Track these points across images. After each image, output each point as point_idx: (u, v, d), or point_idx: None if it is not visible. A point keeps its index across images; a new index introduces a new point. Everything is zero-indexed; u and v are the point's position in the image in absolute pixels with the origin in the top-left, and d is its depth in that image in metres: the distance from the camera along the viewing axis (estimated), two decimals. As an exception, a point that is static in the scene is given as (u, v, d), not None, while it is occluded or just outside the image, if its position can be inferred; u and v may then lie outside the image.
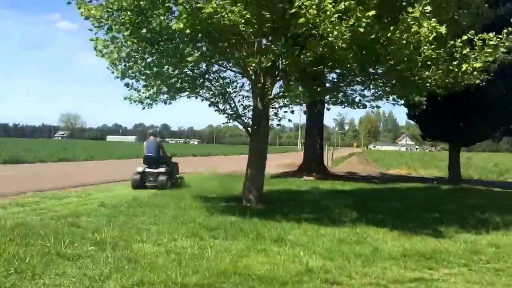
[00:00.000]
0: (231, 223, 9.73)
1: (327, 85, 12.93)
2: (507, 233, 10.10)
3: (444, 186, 21.75)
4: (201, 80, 12.47)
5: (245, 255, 7.39)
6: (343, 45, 9.09)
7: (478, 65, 10.26)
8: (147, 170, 16.91)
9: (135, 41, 10.63)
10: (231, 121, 13.37)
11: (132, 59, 11.26)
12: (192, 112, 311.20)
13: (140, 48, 10.95)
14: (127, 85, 12.00)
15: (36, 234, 7.95)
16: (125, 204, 11.96)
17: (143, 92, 12.13)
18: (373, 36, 9.23)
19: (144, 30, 10.29)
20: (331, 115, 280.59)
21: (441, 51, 10.13)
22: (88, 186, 17.21)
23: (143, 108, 12.54)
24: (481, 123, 22.04)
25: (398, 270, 6.94)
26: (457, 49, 10.40)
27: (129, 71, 11.48)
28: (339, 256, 7.53)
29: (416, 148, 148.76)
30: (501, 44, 10.43)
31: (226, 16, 9.28)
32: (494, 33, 10.49)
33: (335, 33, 8.82)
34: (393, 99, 12.45)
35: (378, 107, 13.09)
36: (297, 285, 6.03)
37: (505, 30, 10.57)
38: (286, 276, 6.31)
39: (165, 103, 12.74)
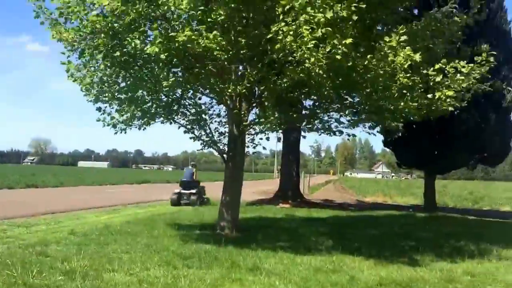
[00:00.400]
0: (206, 251, 9.64)
1: (304, 111, 13.04)
2: (482, 262, 10.18)
3: (419, 213, 21.89)
4: (176, 106, 12.44)
5: (219, 284, 7.32)
6: (320, 71, 9.18)
7: (450, 93, 10.44)
8: (182, 191, 21.98)
9: (109, 64, 10.58)
10: (206, 147, 13.34)
11: (106, 84, 11.20)
12: (166, 138, 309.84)
13: (113, 73, 10.91)
14: (99, 109, 11.89)
15: (2, 264, 7.76)
16: (96, 232, 11.77)
17: (116, 118, 12.06)
18: (349, 64, 9.35)
19: (118, 53, 10.25)
20: (308, 142, 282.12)
21: (416, 78, 10.32)
22: (58, 213, 16.90)
23: (116, 133, 12.43)
24: (456, 151, 22.42)
25: (375, 299, 6.94)
26: (430, 77, 10.60)
27: (103, 95, 11.41)
28: (315, 285, 7.51)
29: (392, 176, 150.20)
30: (473, 73, 10.69)
31: (201, 42, 9.34)
32: (465, 61, 10.77)
33: (312, 59, 8.90)
34: (369, 127, 12.58)
35: (354, 135, 13.20)
36: (272, 315, 5.98)
37: (476, 58, 10.85)
38: (261, 306, 6.26)
39: (139, 128, 12.64)
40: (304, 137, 20.38)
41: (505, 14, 23.71)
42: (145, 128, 12.71)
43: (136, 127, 12.55)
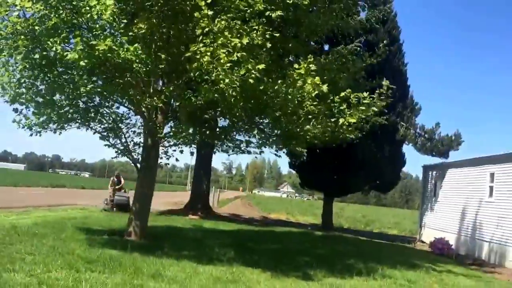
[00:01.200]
0: (111, 256, 9.28)
1: (217, 130, 13.06)
2: (368, 279, 10.53)
3: (317, 232, 22.43)
4: (93, 113, 12.06)
5: (120, 289, 7.07)
6: (233, 93, 9.27)
7: (353, 120, 10.80)
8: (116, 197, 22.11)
9: (28, 66, 10.09)
10: (120, 155, 13.00)
11: (24, 85, 10.67)
12: (85, 145, 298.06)
13: (32, 75, 10.42)
14: (15, 110, 11.35)
15: None
16: (2, 232, 11.03)
17: (32, 120, 11.52)
18: (261, 88, 9.52)
19: (38, 56, 9.80)
20: (220, 159, 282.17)
21: (321, 107, 10.63)
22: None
23: (31, 135, 11.92)
24: (352, 177, 23.36)
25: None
26: (335, 104, 10.94)
27: (20, 97, 10.86)
28: (214, 294, 7.44)
29: (296, 196, 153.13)
30: (373, 103, 11.16)
31: (121, 53, 9.14)
32: (368, 93, 11.25)
33: (227, 81, 8.96)
34: (276, 149, 12.79)
35: (261, 152, 13.37)
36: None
37: (377, 91, 11.38)
38: (158, 312, 6.11)
39: (55, 132, 12.11)
40: (215, 152, 20.45)
41: (403, 57, 25.36)
42: (60, 132, 12.23)
43: (52, 130, 12.03)
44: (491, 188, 18.40)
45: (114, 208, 21.35)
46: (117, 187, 23.11)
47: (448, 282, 11.49)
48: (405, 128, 23.77)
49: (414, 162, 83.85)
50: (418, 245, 22.81)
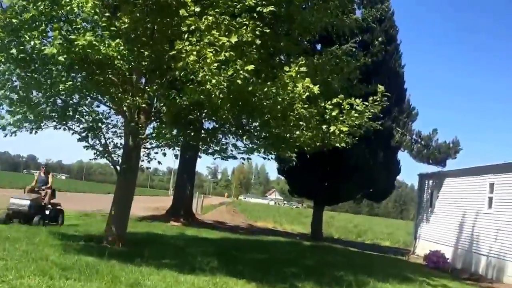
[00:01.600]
0: (87, 263, 9.30)
1: (202, 132, 13.10)
2: (357, 292, 10.66)
3: (306, 242, 22.52)
4: (71, 112, 12.06)
5: (96, 299, 7.11)
6: (220, 94, 9.30)
7: (345, 128, 10.87)
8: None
9: (3, 60, 10.10)
10: (99, 157, 13.00)
11: (-2, 81, 10.68)
12: (62, 146, 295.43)
13: (7, 70, 10.42)
14: None
15: None
16: (-28, 236, 11.03)
17: (6, 119, 11.51)
18: (250, 89, 9.58)
19: (14, 51, 9.82)
20: (205, 163, 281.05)
21: (313, 110, 10.70)
22: None
23: (5, 135, 11.90)
24: (344, 184, 23.44)
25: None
26: (327, 110, 11.03)
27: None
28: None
29: (284, 204, 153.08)
30: (367, 111, 11.28)
31: (102, 49, 9.19)
32: (361, 99, 11.36)
33: (213, 81, 8.99)
34: (264, 153, 12.86)
35: (249, 159, 13.44)
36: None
37: (371, 98, 11.50)
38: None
39: (31, 132, 12.10)
40: (200, 157, 20.62)
41: (400, 58, 25.48)
42: (36, 132, 12.20)
43: (27, 130, 12.01)
44: (490, 199, 18.55)
45: (12, 220, 15.09)
46: (43, 187, 16.92)
47: (442, 298, 11.62)
48: (401, 134, 23.92)
49: (410, 171, 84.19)
50: (412, 257, 22.99)
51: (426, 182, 25.56)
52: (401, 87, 25.19)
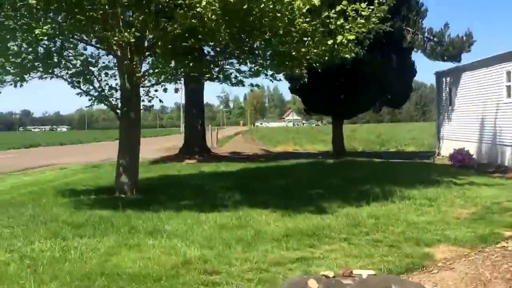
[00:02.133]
0: (101, 217, 9.21)
1: (202, 60, 12.64)
2: (385, 203, 10.58)
3: (328, 160, 22.46)
4: (56, 58, 11.57)
5: (115, 252, 6.99)
6: (213, 16, 8.89)
7: (352, 37, 10.52)
8: None
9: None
10: (96, 103, 12.65)
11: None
12: (58, 96, 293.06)
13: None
14: None
15: None
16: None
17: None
18: (245, 7, 9.09)
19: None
20: (215, 93, 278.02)
21: (316, 23, 10.24)
22: None
23: (-13, 93, 11.52)
24: (360, 95, 23.08)
25: (279, 251, 6.94)
26: (331, 20, 10.55)
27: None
28: (219, 243, 7.39)
29: (303, 123, 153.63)
30: (373, 15, 10.78)
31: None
32: (366, 3, 10.81)
33: (203, 3, 8.58)
34: (271, 75, 12.41)
35: (257, 85, 13.06)
36: (172, 280, 5.78)
37: (376, 0, 10.93)
38: (160, 271, 6.06)
39: (15, 86, 11.66)
40: (203, 85, 19.85)
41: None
42: (22, 85, 11.70)
43: (10, 84, 11.59)
44: (508, 87, 18.18)
45: None
46: None
47: (470, 195, 11.55)
48: (412, 33, 23.20)
49: (427, 70, 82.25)
50: (437, 159, 22.94)
51: (444, 79, 25.09)
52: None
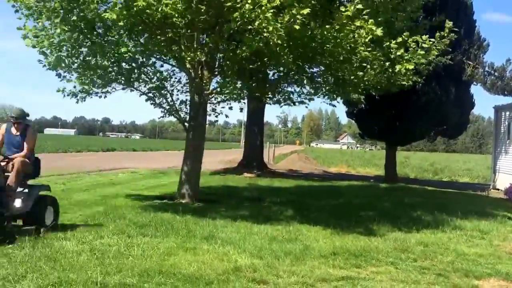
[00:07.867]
0: (162, 220, 9.53)
1: (267, 83, 12.91)
2: (436, 232, 10.30)
3: (381, 184, 22.17)
4: (137, 73, 12.18)
5: (173, 253, 7.22)
6: (278, 41, 9.05)
7: (411, 66, 10.43)
8: None
9: (66, 29, 10.22)
10: (167, 115, 13.15)
11: (64, 48, 10.85)
12: (134, 107, 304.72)
13: (71, 38, 10.56)
14: (59, 75, 11.59)
15: None
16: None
17: (74, 86, 11.83)
18: (308, 34, 9.25)
19: (75, 18, 9.90)
20: (275, 112, 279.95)
21: (376, 52, 10.25)
22: None
23: (77, 101, 12.26)
24: (416, 123, 22.66)
25: (326, 268, 6.94)
26: (392, 49, 10.54)
27: (61, 62, 11.06)
28: (269, 254, 7.47)
29: (357, 147, 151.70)
30: (434, 47, 10.68)
31: (160, 8, 9.08)
32: (427, 36, 10.73)
33: (270, 29, 8.75)
34: (329, 97, 12.49)
35: (311, 99, 13.01)
36: (222, 285, 5.91)
37: (437, 34, 10.85)
38: (212, 275, 6.20)
39: (100, 97, 12.40)
40: (265, 104, 20.05)
41: (467, -12, 23.78)
42: (106, 96, 12.55)
43: (96, 95, 12.31)
44: None
45: None
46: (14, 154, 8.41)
47: (525, 232, 11.04)
48: (472, 67, 22.65)
49: (486, 104, 79.77)
50: (492, 192, 22.15)
51: (503, 114, 24.37)
52: (470, 18, 23.63)
